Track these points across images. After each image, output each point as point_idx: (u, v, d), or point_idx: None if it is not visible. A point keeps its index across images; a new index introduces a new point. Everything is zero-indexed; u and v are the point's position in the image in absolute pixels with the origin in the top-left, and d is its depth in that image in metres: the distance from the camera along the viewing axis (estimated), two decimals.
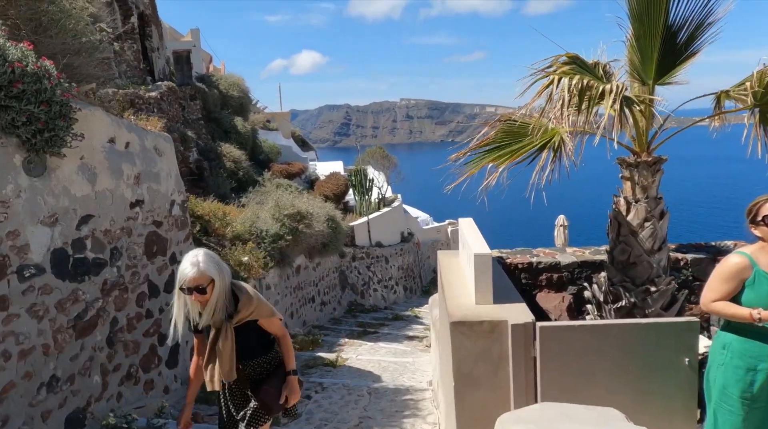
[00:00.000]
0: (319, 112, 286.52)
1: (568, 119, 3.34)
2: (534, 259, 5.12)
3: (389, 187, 22.24)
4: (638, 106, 3.61)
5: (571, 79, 3.23)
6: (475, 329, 3.33)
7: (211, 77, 20.03)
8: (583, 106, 3.35)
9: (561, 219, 17.18)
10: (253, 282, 8.76)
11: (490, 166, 3.96)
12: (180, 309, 2.84)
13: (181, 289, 2.77)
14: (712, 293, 2.96)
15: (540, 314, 4.84)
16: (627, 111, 3.42)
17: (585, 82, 3.26)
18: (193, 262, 2.70)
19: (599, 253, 5.36)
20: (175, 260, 5.66)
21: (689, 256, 5.17)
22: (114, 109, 4.77)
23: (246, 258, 9.10)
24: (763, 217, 2.87)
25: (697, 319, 3.41)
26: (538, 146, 3.87)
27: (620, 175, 4.13)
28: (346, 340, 9.52)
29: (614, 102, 3.19)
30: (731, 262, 2.91)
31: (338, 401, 5.28)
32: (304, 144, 29.51)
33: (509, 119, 3.99)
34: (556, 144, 3.77)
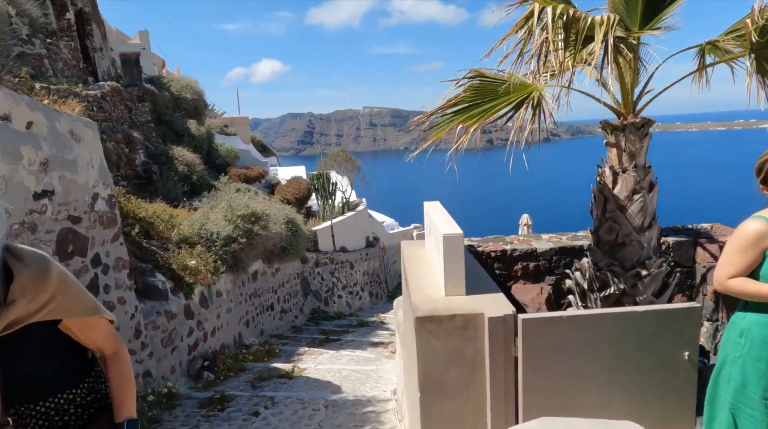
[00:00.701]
0: (281, 120, 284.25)
1: (554, 60, 2.78)
2: (508, 247, 4.57)
3: (353, 191, 21.63)
4: (633, 41, 3.10)
5: (554, 8, 2.69)
6: (445, 325, 2.73)
7: (161, 79, 19.06)
8: (569, 51, 2.81)
9: (525, 218, 16.94)
10: (201, 288, 8.00)
11: (459, 127, 3.39)
12: None
13: None
14: (729, 268, 2.41)
15: (516, 308, 4.29)
16: (611, 59, 2.88)
17: (571, 12, 2.72)
18: None
19: (577, 238, 4.86)
20: (99, 262, 4.91)
21: (671, 240, 4.70)
22: (11, 83, 4.02)
23: (193, 262, 8.32)
24: None
25: (699, 305, 2.90)
26: (515, 104, 3.33)
27: (605, 141, 3.61)
28: (306, 348, 8.83)
29: (606, 36, 2.66)
30: (749, 229, 2.37)
31: (290, 417, 4.60)
32: (264, 149, 28.67)
33: (480, 75, 3.43)
34: (536, 100, 3.23)
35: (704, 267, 4.54)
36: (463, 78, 3.39)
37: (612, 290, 3.54)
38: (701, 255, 4.62)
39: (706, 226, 5.12)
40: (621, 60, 3.19)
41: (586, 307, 3.76)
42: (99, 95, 12.03)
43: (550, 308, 4.27)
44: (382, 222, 24.89)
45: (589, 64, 3.66)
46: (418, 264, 3.78)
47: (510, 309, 2.84)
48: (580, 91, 3.20)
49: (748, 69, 3.00)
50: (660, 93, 3.46)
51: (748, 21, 2.82)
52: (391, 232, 24.82)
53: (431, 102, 3.43)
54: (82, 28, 13.99)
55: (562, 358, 2.78)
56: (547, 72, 3.60)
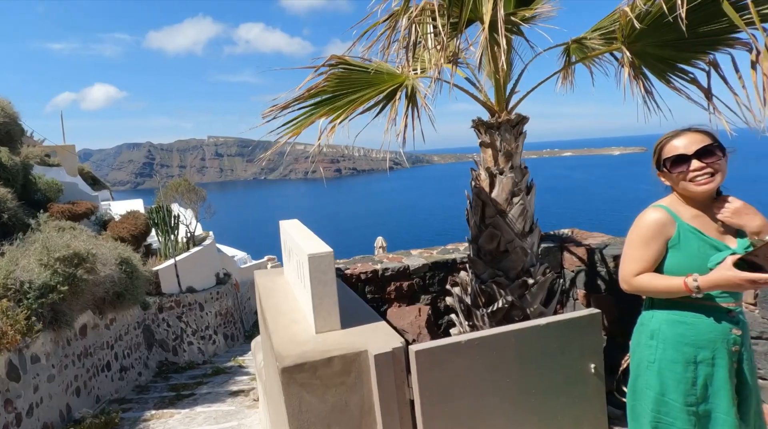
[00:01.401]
0: (117, 151, 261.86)
1: (429, 45, 2.35)
2: (379, 267, 4.08)
3: (199, 223, 19.98)
4: (517, 19, 2.80)
5: None
6: (320, 374, 2.10)
7: None
8: (448, 36, 2.41)
9: (379, 240, 16.96)
10: (9, 355, 6.37)
11: (321, 121, 2.83)
12: None
13: None
14: (634, 264, 2.12)
15: None
16: (502, 34, 2.55)
17: None
18: None
19: (448, 251, 4.55)
20: None
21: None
22: None
23: None
24: (664, 161, 2.13)
25: (599, 312, 2.63)
26: (387, 93, 2.88)
27: (479, 141, 3.30)
28: (154, 412, 7.53)
29: (495, 7, 2.29)
30: (650, 219, 2.11)
31: None
32: (95, 182, 25.66)
33: (343, 62, 2.92)
34: (410, 89, 2.81)
35: (572, 271, 4.48)
36: (323, 65, 2.85)
37: (500, 304, 3.20)
38: (568, 259, 4.56)
39: (566, 231, 5.13)
40: (496, 50, 2.89)
41: (472, 325, 3.38)
42: None
43: (431, 331, 3.85)
44: (233, 256, 23.43)
45: (462, 62, 3.38)
46: (278, 297, 3.11)
47: (398, 340, 2.31)
48: (455, 85, 2.86)
49: (627, 58, 2.84)
50: (531, 90, 3.26)
51: (627, 8, 2.66)
52: (243, 266, 23.48)
53: (287, 94, 2.85)
54: None
55: (464, 392, 2.30)
56: (417, 67, 3.25)
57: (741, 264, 1.88)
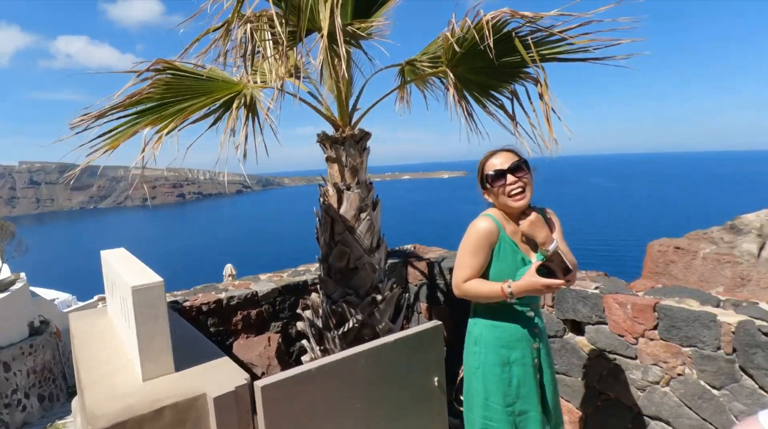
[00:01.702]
0: None
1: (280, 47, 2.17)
2: (223, 295, 3.72)
3: (5, 264, 17.21)
4: (356, 29, 2.71)
5: None
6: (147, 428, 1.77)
7: None
8: (288, 43, 2.25)
9: (228, 268, 16.08)
10: None
11: (146, 131, 2.47)
12: None
13: None
14: (464, 270, 2.21)
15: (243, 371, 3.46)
16: (341, 45, 2.44)
17: None
18: None
19: (299, 273, 4.34)
20: None
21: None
22: None
23: None
24: (486, 177, 2.26)
25: (441, 323, 2.65)
26: (223, 101, 2.62)
27: (325, 156, 3.18)
28: None
29: (333, 13, 2.17)
30: (479, 227, 2.21)
31: None
32: None
33: (171, 68, 2.60)
34: (248, 98, 2.58)
35: (416, 285, 4.56)
36: (148, 70, 2.51)
37: (351, 324, 3.07)
38: (412, 274, 4.63)
39: (408, 247, 5.23)
40: (337, 62, 2.80)
41: (324, 350, 3.20)
42: None
43: (281, 361, 3.59)
44: (54, 299, 20.49)
45: (304, 76, 3.26)
46: (98, 342, 2.65)
47: (242, 377, 2.06)
48: (298, 98, 2.71)
49: (452, 80, 2.93)
50: (374, 105, 3.25)
51: (448, 34, 2.76)
52: (66, 310, 20.60)
53: (102, 100, 2.45)
54: None
55: (316, 424, 2.11)
56: (257, 80, 3.06)
57: (542, 270, 2.08)
